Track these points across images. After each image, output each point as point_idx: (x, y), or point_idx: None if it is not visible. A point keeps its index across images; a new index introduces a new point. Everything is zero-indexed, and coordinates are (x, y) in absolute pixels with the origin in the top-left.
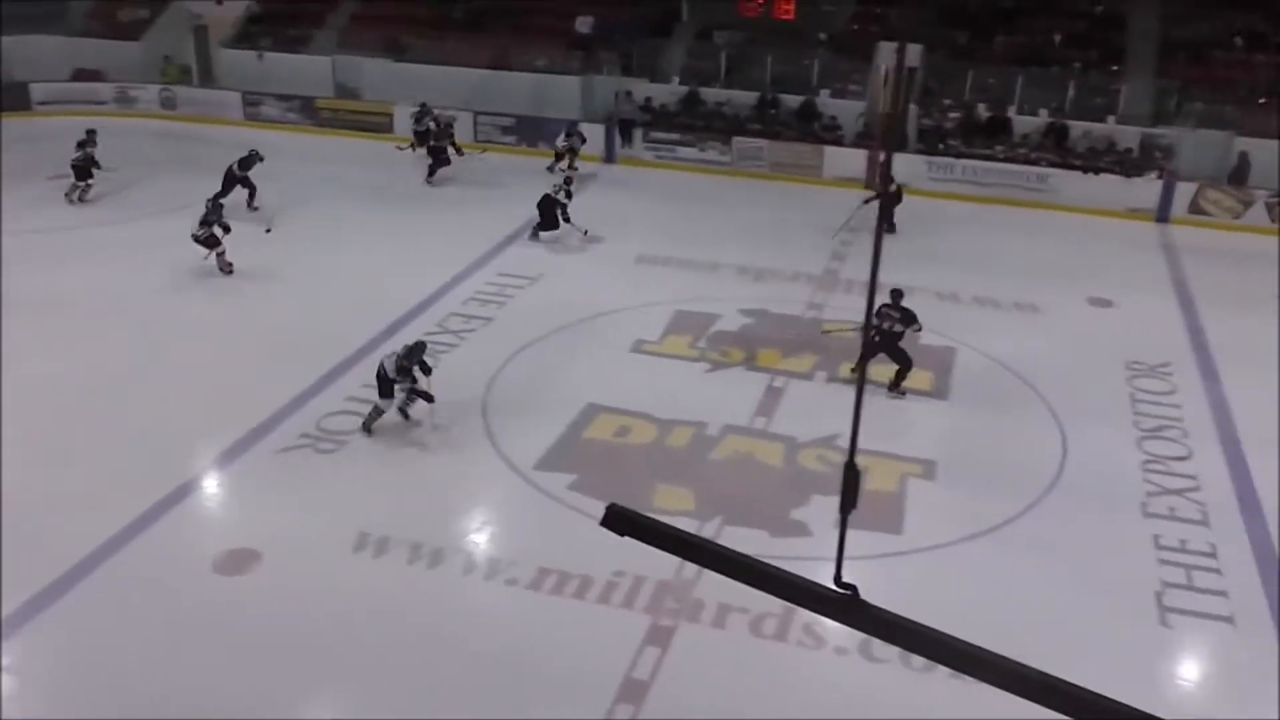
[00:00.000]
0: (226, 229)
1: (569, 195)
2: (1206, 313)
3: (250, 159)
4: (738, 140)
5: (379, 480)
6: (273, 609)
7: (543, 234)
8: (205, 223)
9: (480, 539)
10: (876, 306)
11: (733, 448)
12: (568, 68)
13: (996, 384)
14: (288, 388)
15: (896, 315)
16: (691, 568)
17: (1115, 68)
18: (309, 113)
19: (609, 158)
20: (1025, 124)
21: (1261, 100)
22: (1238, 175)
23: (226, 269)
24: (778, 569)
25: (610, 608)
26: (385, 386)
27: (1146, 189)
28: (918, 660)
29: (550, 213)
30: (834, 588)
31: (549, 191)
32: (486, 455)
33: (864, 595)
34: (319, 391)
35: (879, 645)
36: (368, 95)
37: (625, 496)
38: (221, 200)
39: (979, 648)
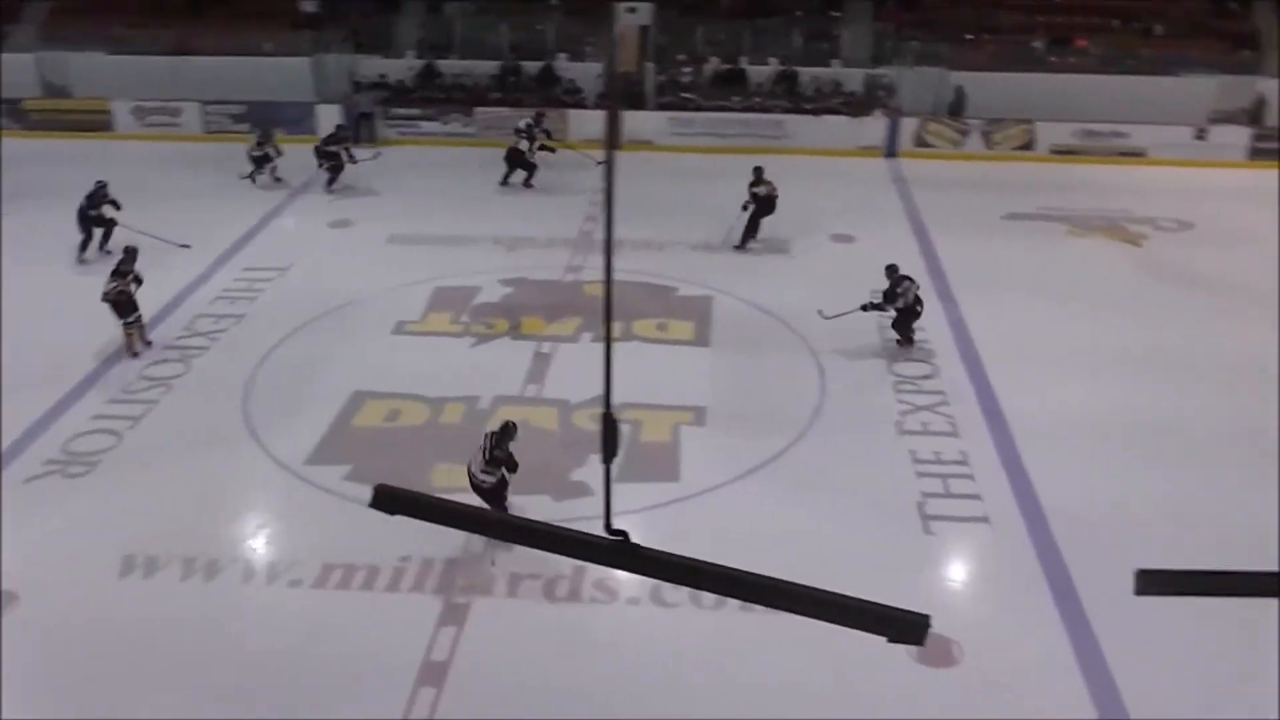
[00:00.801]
0: (138, 281)
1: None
2: (939, 239)
3: (99, 193)
4: (480, 110)
5: (140, 498)
6: (38, 651)
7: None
8: (120, 273)
9: (257, 544)
10: (899, 283)
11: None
12: (296, 49)
13: (754, 327)
14: (24, 414)
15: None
16: (479, 542)
17: (836, 14)
18: (16, 116)
19: (354, 139)
20: (757, 74)
21: (969, 37)
22: (955, 107)
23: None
24: (548, 525)
25: (401, 594)
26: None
27: (874, 127)
28: (707, 598)
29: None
30: (606, 536)
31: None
32: (254, 456)
33: (651, 543)
34: (62, 413)
35: (669, 590)
36: (80, 92)
37: (403, 480)
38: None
39: (749, 573)
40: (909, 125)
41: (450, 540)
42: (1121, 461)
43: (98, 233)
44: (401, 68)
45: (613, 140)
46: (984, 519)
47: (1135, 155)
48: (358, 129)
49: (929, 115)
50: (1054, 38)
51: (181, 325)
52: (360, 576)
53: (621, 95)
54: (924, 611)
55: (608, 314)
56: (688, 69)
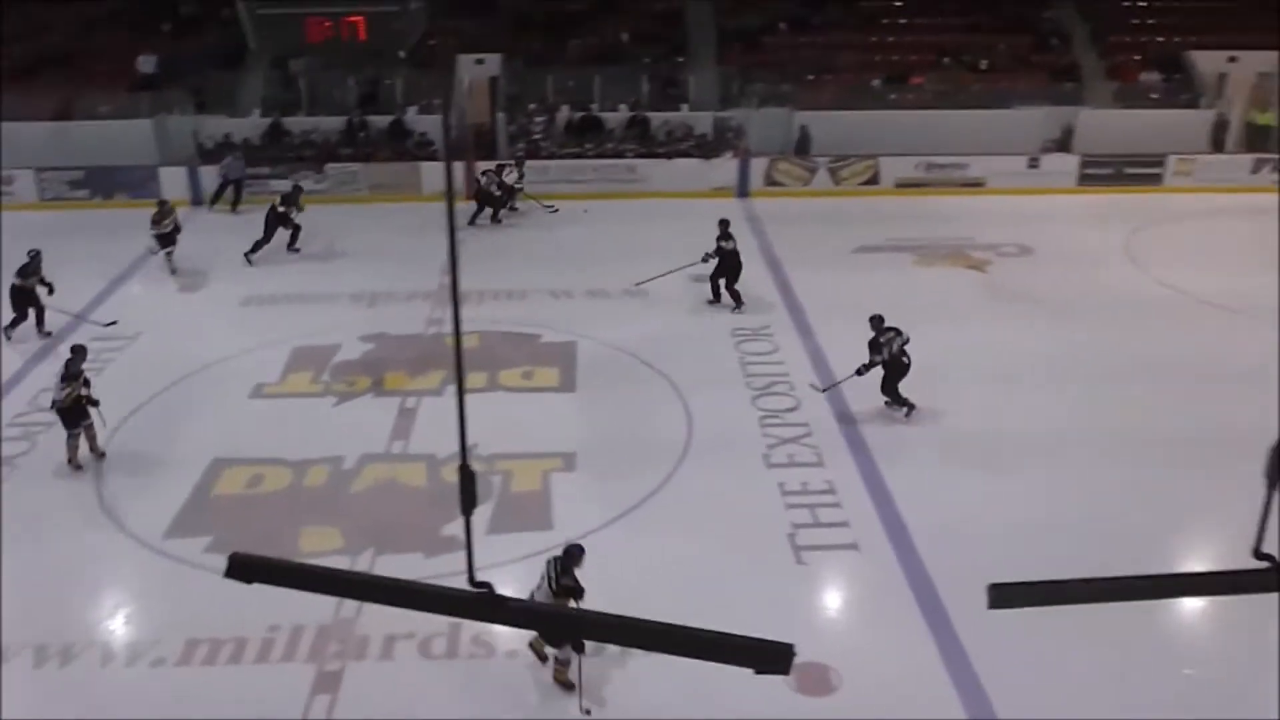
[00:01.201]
0: (87, 383)
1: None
2: (793, 274)
3: (33, 265)
4: (331, 166)
5: None
6: None
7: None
8: (71, 375)
9: (115, 624)
10: (882, 333)
11: (373, 476)
12: (135, 111)
13: (619, 369)
14: None
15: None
16: (351, 605)
17: (681, 59)
18: None
19: (196, 200)
20: (609, 120)
21: (810, 78)
22: (801, 146)
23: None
24: (410, 583)
25: (271, 665)
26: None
27: (725, 168)
28: (589, 645)
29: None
30: (470, 589)
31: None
32: (109, 534)
33: (527, 592)
34: None
35: None
36: None
37: (268, 547)
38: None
39: (612, 616)
40: (759, 165)
41: (320, 605)
42: (980, 476)
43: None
44: (247, 126)
45: (451, 192)
46: (853, 545)
47: (975, 185)
48: (232, 193)
49: (777, 155)
50: (890, 75)
51: (25, 400)
52: (227, 650)
53: (474, 146)
54: (789, 641)
55: (459, 368)
56: (540, 118)
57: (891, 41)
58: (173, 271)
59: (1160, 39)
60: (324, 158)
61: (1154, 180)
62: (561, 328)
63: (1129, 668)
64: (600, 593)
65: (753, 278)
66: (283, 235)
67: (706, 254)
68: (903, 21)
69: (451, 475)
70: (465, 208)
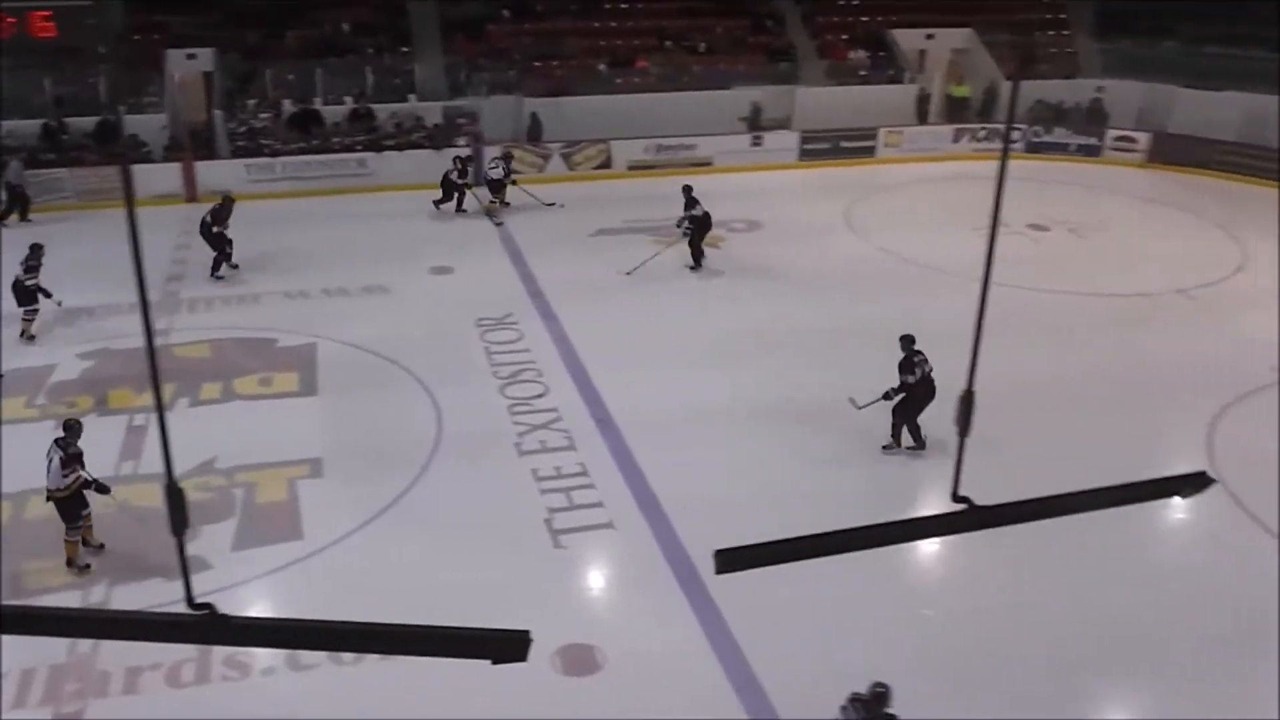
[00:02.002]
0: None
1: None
2: (534, 261)
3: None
4: (30, 173)
5: None
6: None
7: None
8: (73, 456)
9: None
10: (914, 354)
11: (104, 500)
12: None
13: (362, 368)
14: None
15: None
16: (86, 640)
17: (406, 49)
18: None
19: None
20: (334, 113)
21: (537, 64)
22: (533, 133)
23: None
24: (125, 613)
25: (3, 716)
26: None
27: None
28: (347, 655)
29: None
30: (191, 612)
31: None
32: None
33: (280, 607)
34: None
35: (306, 652)
36: None
37: None
38: None
39: (344, 624)
40: (492, 153)
41: (51, 644)
42: (726, 445)
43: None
44: None
45: (130, 196)
46: (609, 524)
47: (704, 165)
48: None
49: (510, 142)
50: (615, 60)
51: None
52: None
53: (192, 145)
54: (549, 625)
55: (155, 383)
56: (264, 114)
57: (614, 27)
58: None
59: (865, 19)
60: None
61: (868, 153)
62: (299, 330)
63: (878, 621)
64: (356, 600)
65: (494, 265)
66: None
67: (682, 225)
68: (624, 6)
69: (189, 492)
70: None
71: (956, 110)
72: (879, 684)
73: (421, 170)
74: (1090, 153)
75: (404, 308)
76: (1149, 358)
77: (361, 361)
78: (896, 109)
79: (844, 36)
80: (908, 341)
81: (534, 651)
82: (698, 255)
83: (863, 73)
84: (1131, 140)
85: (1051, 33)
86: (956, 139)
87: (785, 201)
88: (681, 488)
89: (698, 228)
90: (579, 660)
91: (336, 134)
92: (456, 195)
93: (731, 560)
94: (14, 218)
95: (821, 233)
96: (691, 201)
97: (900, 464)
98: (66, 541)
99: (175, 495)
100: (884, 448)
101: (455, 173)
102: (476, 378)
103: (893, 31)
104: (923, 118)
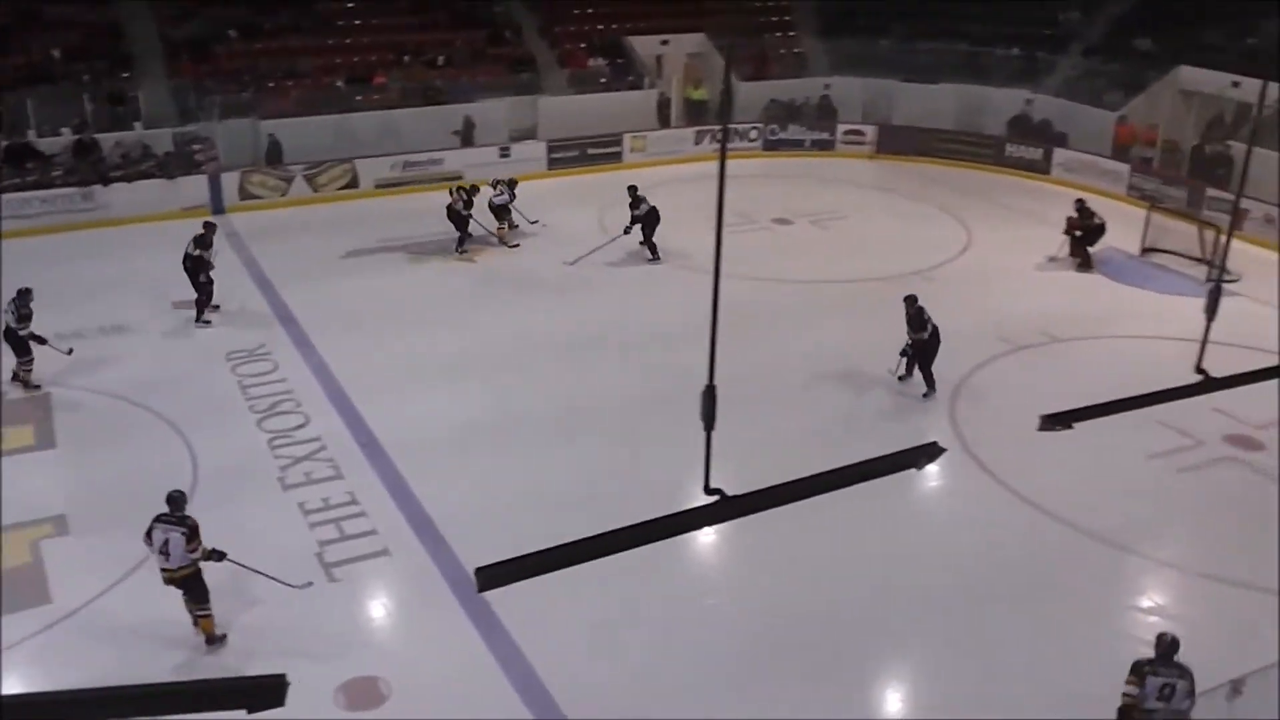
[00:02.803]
0: None
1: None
2: (285, 288)
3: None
4: None
5: None
6: None
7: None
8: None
9: None
10: (920, 311)
11: None
12: None
13: (104, 415)
14: None
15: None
16: None
17: (126, 74)
18: None
19: None
20: (53, 145)
21: (271, 84)
22: (273, 155)
23: None
24: None
25: None
26: None
27: (195, 186)
28: None
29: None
30: None
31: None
32: None
33: (33, 678)
34: None
35: None
36: None
37: None
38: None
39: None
40: (231, 179)
41: None
42: (496, 458)
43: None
44: None
45: None
46: (384, 551)
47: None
48: None
49: (249, 167)
50: (352, 76)
51: None
52: None
53: None
54: (326, 665)
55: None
56: None
57: (349, 43)
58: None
59: (601, 27)
60: None
61: (615, 158)
62: (33, 378)
63: (659, 617)
64: (112, 663)
65: (243, 296)
66: None
67: (627, 227)
68: (357, 23)
69: None
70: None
71: (696, 113)
72: (1163, 635)
73: (156, 200)
74: (824, 147)
75: (147, 347)
76: (892, 337)
77: (103, 407)
78: (639, 114)
79: (582, 45)
80: (912, 300)
81: (315, 690)
82: (652, 249)
83: (603, 80)
84: (860, 134)
85: (779, 34)
86: (698, 141)
87: (538, 211)
88: (456, 506)
89: (647, 224)
90: (363, 693)
91: (57, 167)
92: (460, 231)
93: (493, 577)
94: None
95: (576, 240)
96: (637, 201)
97: (665, 460)
98: (203, 618)
99: None
100: (900, 378)
101: (461, 203)
102: (231, 414)
103: (629, 39)
104: (664, 122)
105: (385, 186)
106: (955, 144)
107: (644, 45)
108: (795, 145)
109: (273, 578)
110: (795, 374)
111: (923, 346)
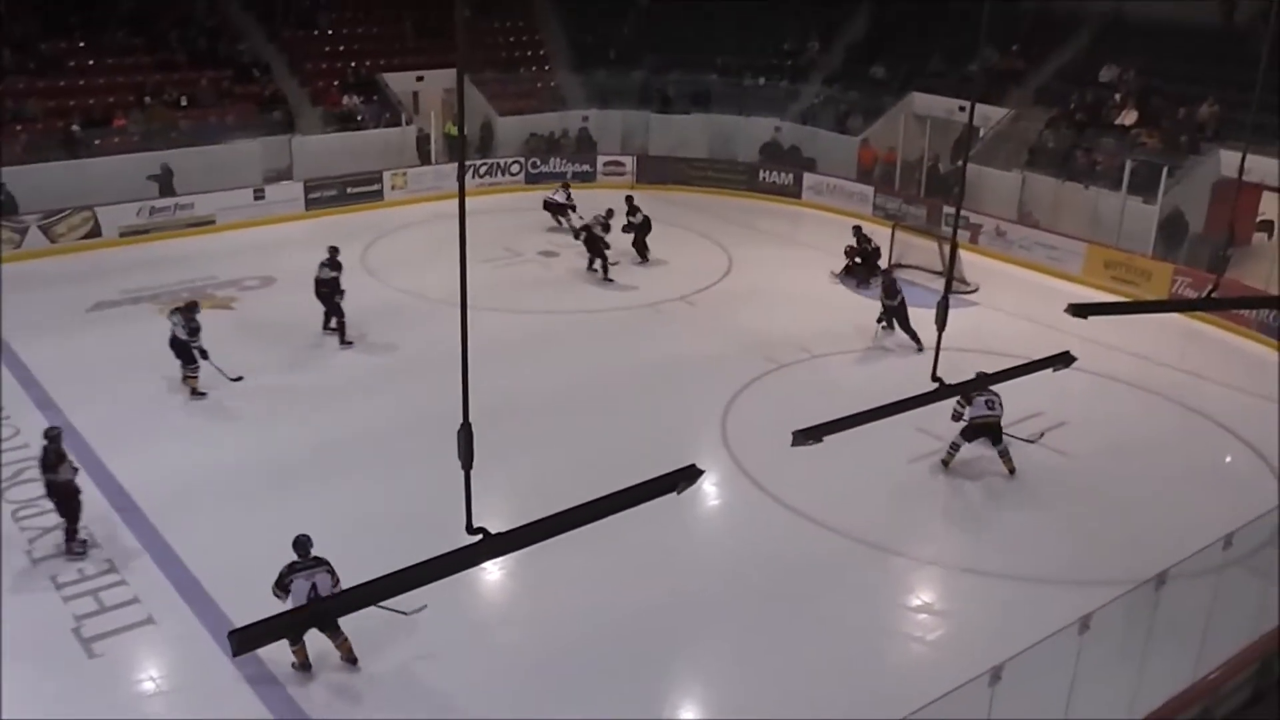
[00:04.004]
0: None
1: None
2: (22, 346)
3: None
4: None
5: None
6: None
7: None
8: None
9: None
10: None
11: None
12: None
13: None
14: None
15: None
16: None
17: None
18: None
19: None
20: None
21: (20, 128)
22: (5, 205)
23: None
24: None
25: None
26: None
27: None
28: None
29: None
30: None
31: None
32: None
33: None
34: None
35: None
36: None
37: None
38: None
39: None
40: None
41: None
42: (255, 508)
43: None
44: None
45: None
46: (149, 620)
47: (206, 223)
48: None
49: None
50: (89, 119)
51: None
52: None
53: None
54: None
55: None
56: None
57: (84, 85)
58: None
59: (354, 64)
60: None
61: (376, 196)
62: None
63: (462, 658)
64: None
65: None
66: None
67: (624, 227)
68: (91, 63)
69: None
70: None
71: (457, 149)
72: None
73: None
74: (586, 178)
75: None
76: (663, 361)
77: None
78: (398, 151)
79: (335, 82)
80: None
81: None
82: (642, 252)
83: (360, 118)
84: (620, 164)
85: (534, 68)
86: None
87: (296, 253)
88: (221, 560)
89: (640, 231)
90: None
91: None
92: (601, 258)
93: (247, 640)
94: None
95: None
96: (633, 209)
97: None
98: (343, 643)
99: None
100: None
101: (598, 226)
102: None
103: (383, 75)
104: (425, 158)
105: (130, 233)
106: (710, 172)
107: (398, 81)
108: (557, 178)
109: (388, 608)
110: (564, 402)
111: (894, 311)
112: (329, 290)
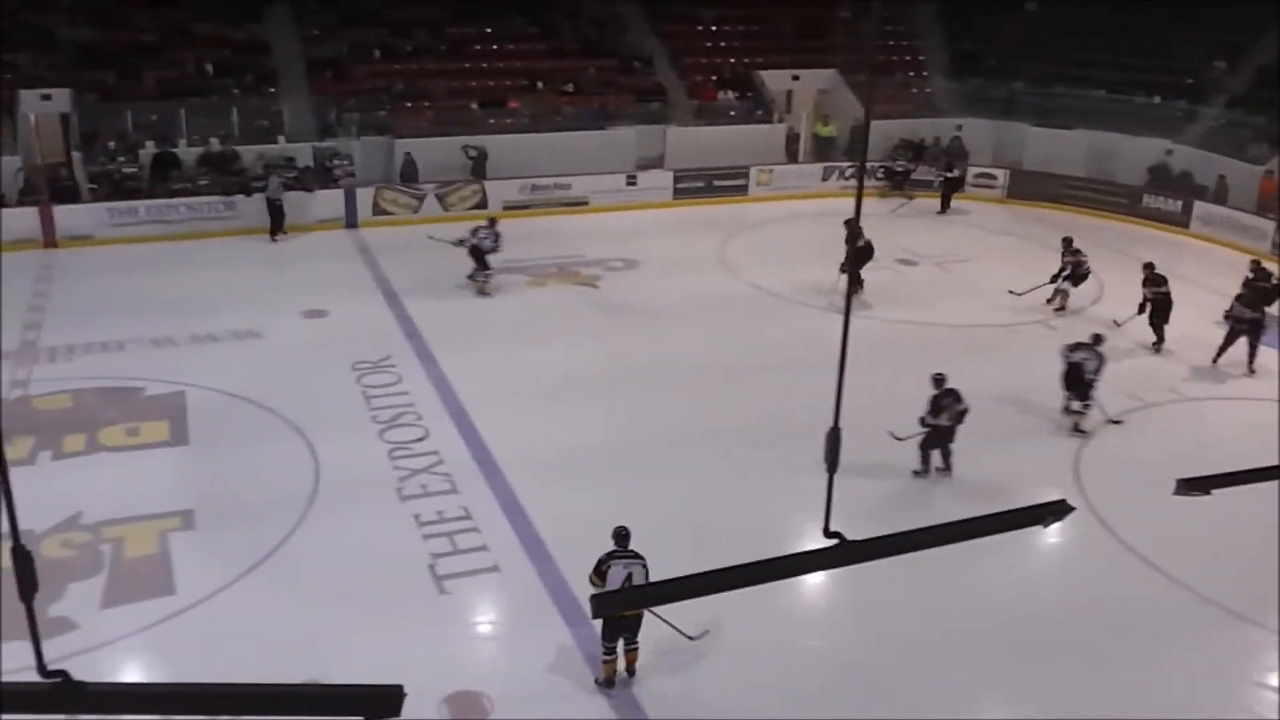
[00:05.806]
0: None
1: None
2: (410, 302)
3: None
4: None
5: None
6: None
7: None
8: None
9: None
10: (945, 395)
11: None
12: None
13: (235, 416)
14: None
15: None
16: None
17: (272, 89)
18: None
19: None
20: (195, 155)
21: (408, 105)
22: (407, 173)
23: None
24: None
25: None
26: None
27: (331, 199)
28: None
29: None
30: (42, 680)
31: None
32: None
33: (151, 667)
34: None
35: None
36: None
37: None
38: None
39: (207, 685)
40: (365, 195)
41: None
42: (608, 483)
43: None
44: None
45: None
46: (494, 568)
47: (579, 204)
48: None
49: (383, 183)
50: (486, 100)
51: None
52: None
53: (52, 189)
54: (434, 674)
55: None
56: (124, 156)
57: (484, 68)
58: None
59: (732, 60)
60: None
61: (740, 191)
62: (167, 377)
63: (772, 655)
64: (227, 658)
65: (369, 308)
66: None
67: (850, 252)
68: (493, 48)
69: (53, 550)
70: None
71: (824, 149)
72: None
73: (292, 213)
74: (953, 187)
75: (277, 353)
76: (1014, 384)
77: (234, 409)
78: (766, 148)
79: (712, 77)
80: (938, 382)
81: (421, 701)
82: (854, 280)
83: (732, 113)
84: (992, 177)
85: (912, 74)
86: (826, 177)
87: (660, 239)
88: (565, 527)
89: (860, 257)
90: (467, 707)
91: (200, 176)
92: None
93: (606, 604)
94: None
95: (696, 270)
96: (855, 234)
97: (782, 498)
98: (632, 651)
99: (22, 559)
100: (915, 472)
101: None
102: (354, 423)
103: (760, 73)
104: (792, 157)
105: (512, 208)
106: (1088, 191)
107: (774, 80)
108: (924, 186)
109: (673, 626)
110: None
111: (936, 430)
112: (479, 254)
